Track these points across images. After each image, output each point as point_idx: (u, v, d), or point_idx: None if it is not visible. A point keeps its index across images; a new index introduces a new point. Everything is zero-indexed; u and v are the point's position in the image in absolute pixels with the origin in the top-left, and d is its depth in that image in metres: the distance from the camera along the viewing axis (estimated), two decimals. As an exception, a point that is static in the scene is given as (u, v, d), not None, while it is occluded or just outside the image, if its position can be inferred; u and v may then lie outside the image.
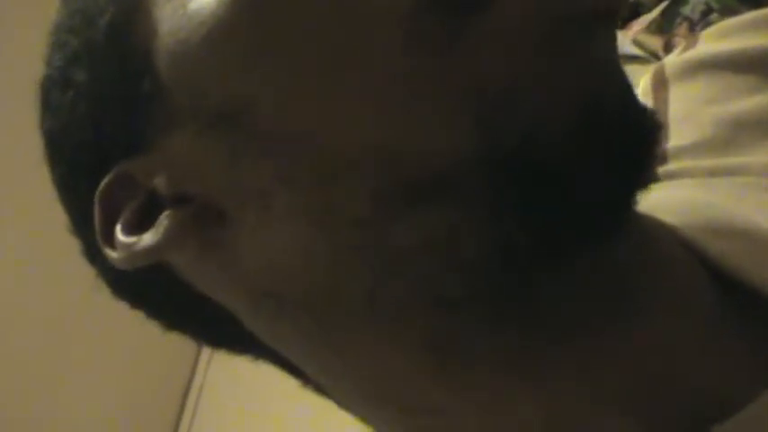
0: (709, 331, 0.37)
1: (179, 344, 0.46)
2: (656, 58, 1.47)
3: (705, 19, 1.47)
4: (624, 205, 0.35)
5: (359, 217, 0.34)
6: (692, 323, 0.37)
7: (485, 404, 0.36)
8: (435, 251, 0.34)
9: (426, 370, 0.36)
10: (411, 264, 0.34)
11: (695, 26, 1.47)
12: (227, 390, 2.15)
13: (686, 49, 0.52)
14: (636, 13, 1.55)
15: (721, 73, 0.49)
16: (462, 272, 0.34)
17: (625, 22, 1.54)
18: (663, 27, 1.52)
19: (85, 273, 0.43)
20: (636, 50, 1.51)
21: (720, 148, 0.46)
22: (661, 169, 0.46)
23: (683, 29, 1.49)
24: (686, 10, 1.50)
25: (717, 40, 0.51)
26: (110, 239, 0.38)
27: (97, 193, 0.39)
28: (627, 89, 0.35)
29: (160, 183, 0.37)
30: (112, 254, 0.38)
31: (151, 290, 0.42)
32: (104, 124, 0.39)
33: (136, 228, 0.37)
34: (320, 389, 0.42)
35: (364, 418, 0.41)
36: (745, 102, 0.47)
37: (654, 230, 0.39)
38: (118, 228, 0.38)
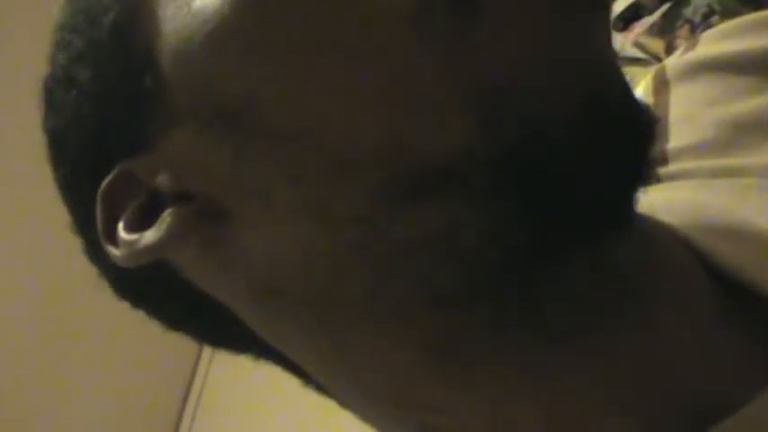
0: (709, 332, 0.37)
1: (180, 344, 0.47)
2: (658, 60, 1.47)
3: (707, 21, 1.46)
4: (624, 205, 0.35)
5: (359, 215, 0.34)
6: (692, 323, 0.37)
7: (485, 403, 0.36)
8: (436, 250, 0.34)
9: (426, 369, 0.36)
10: (411, 262, 0.35)
11: (697, 28, 1.47)
12: (228, 390, 2.15)
13: (687, 50, 0.52)
14: (637, 16, 1.55)
15: (722, 74, 0.49)
16: (463, 271, 0.34)
17: (626, 25, 1.54)
18: (664, 29, 1.52)
19: (87, 272, 0.44)
20: (637, 53, 1.51)
21: (721, 150, 0.46)
22: (662, 170, 0.46)
23: (684, 31, 1.49)
24: (688, 12, 1.50)
25: (718, 41, 0.51)
26: (112, 237, 0.39)
27: (100, 191, 0.39)
28: (625, 87, 0.35)
29: (162, 181, 0.37)
30: (115, 251, 0.38)
31: (152, 288, 0.42)
32: (107, 123, 0.39)
33: (138, 226, 0.38)
34: (321, 388, 0.42)
35: (365, 416, 0.41)
36: (746, 103, 0.47)
37: (654, 231, 0.39)
38: (120, 225, 0.38)
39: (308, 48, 0.34)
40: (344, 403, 0.41)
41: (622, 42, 1.50)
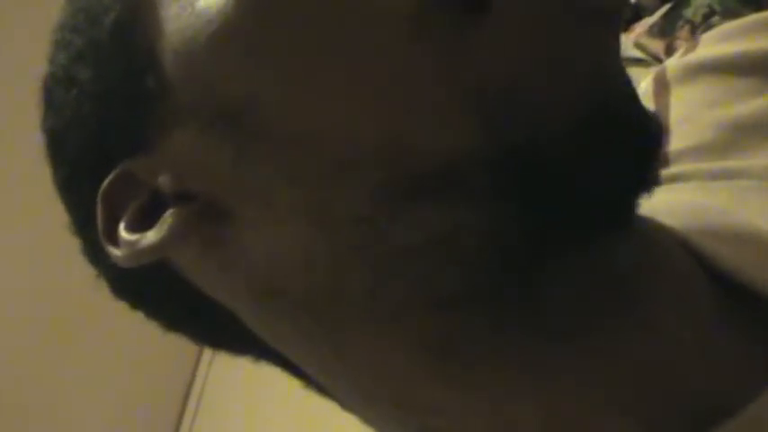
0: (709, 332, 0.37)
1: (181, 345, 0.47)
2: (658, 60, 1.47)
3: (707, 22, 1.46)
4: (625, 206, 0.35)
5: (360, 216, 0.34)
6: (692, 324, 0.37)
7: (485, 404, 0.36)
8: (436, 250, 0.34)
9: (426, 369, 0.36)
10: (411, 263, 0.35)
11: (697, 29, 1.47)
12: (228, 391, 2.15)
13: (687, 52, 0.52)
14: (638, 16, 1.55)
15: (722, 76, 0.49)
16: (463, 271, 0.34)
17: (627, 25, 1.54)
18: (665, 30, 1.52)
19: (87, 273, 0.44)
20: (638, 53, 1.51)
21: (721, 152, 0.46)
22: (662, 172, 0.46)
23: (684, 32, 1.49)
24: (688, 13, 1.50)
25: (718, 43, 0.51)
26: (113, 238, 0.39)
27: (100, 191, 0.39)
28: (630, 91, 0.35)
29: (163, 181, 0.37)
30: (115, 252, 0.38)
31: (152, 289, 0.42)
32: (108, 123, 0.39)
33: (139, 226, 0.38)
34: (321, 389, 0.42)
35: (365, 418, 0.41)
36: (746, 105, 0.47)
37: (654, 233, 0.39)
38: (121, 226, 0.38)
39: (310, 49, 0.34)
40: (345, 405, 0.41)
41: (623, 43, 1.50)
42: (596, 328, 0.35)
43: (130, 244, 0.37)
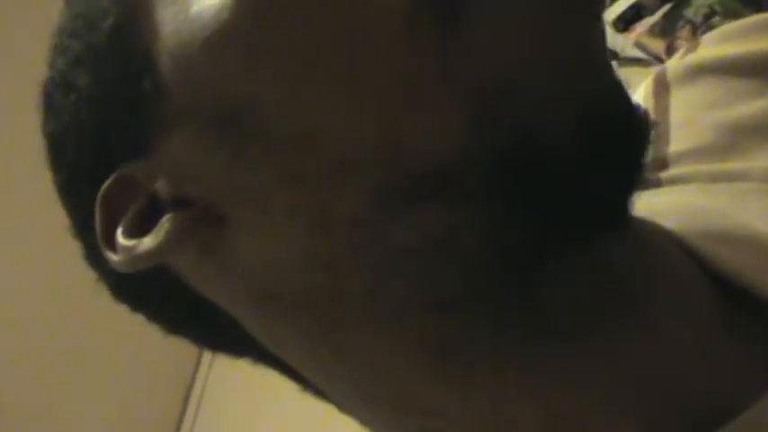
0: (709, 334, 0.37)
1: (181, 346, 0.47)
2: (659, 60, 1.47)
3: (708, 22, 1.46)
4: (623, 205, 0.35)
5: (359, 217, 0.34)
6: (692, 325, 0.37)
7: (485, 405, 0.36)
8: (435, 251, 0.34)
9: (426, 370, 0.36)
10: (411, 263, 0.35)
11: (698, 29, 1.47)
12: (228, 393, 2.15)
13: (687, 53, 0.52)
14: (638, 16, 1.55)
15: (722, 77, 0.49)
16: (462, 271, 0.34)
17: (627, 25, 1.54)
18: (665, 29, 1.51)
19: (87, 276, 0.44)
20: (638, 53, 1.51)
21: (721, 154, 0.46)
22: (662, 174, 0.46)
23: (685, 32, 1.49)
24: (689, 13, 1.50)
25: (718, 44, 0.51)
26: (111, 243, 0.38)
27: (98, 196, 0.39)
28: (618, 87, 0.35)
29: (161, 186, 0.37)
30: (113, 257, 0.38)
31: (151, 293, 0.42)
32: (106, 127, 0.39)
33: (137, 231, 0.38)
34: (320, 392, 0.42)
35: (363, 419, 0.41)
36: (746, 107, 0.47)
37: (652, 234, 0.39)
38: (119, 231, 0.38)
39: (309, 49, 0.34)
40: (344, 408, 0.41)
41: (623, 43, 1.50)
42: (596, 329, 0.35)
43: (128, 249, 0.37)
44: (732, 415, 0.34)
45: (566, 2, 0.33)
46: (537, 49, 0.33)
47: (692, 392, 0.36)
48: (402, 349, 0.36)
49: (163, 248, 0.37)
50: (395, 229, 0.34)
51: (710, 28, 1.44)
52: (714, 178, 0.45)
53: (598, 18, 0.35)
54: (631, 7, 1.54)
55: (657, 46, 1.51)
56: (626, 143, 0.34)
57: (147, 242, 0.37)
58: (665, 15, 1.53)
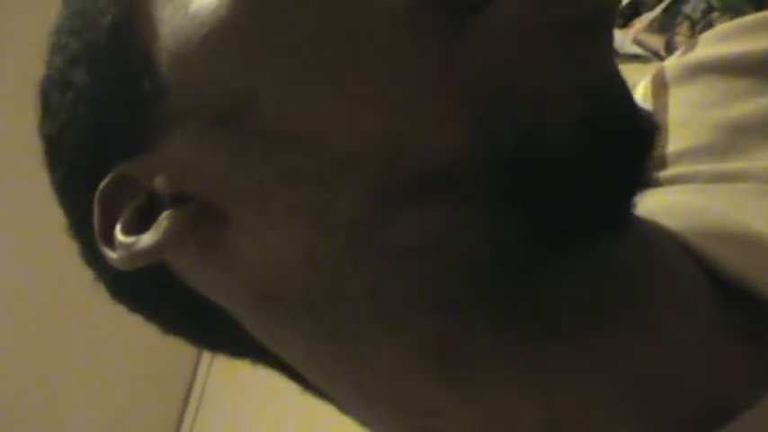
0: (709, 334, 0.37)
1: (181, 346, 0.46)
2: (657, 56, 1.47)
3: (706, 18, 1.46)
4: (624, 206, 0.35)
5: (358, 216, 0.34)
6: (692, 325, 0.37)
7: (485, 405, 0.36)
8: (435, 251, 0.34)
9: (427, 370, 0.36)
10: (411, 263, 0.34)
11: (696, 25, 1.47)
12: (229, 392, 2.15)
13: (686, 51, 0.52)
14: (637, 12, 1.55)
15: (721, 76, 0.48)
16: (462, 271, 0.34)
17: (626, 21, 1.54)
18: (664, 26, 1.51)
19: (87, 276, 0.43)
20: (637, 49, 1.51)
21: (720, 154, 0.46)
22: (661, 174, 0.46)
23: (684, 28, 1.49)
24: (687, 9, 1.50)
25: (717, 43, 0.50)
26: (109, 240, 0.38)
27: (97, 193, 0.39)
28: (624, 90, 0.35)
29: (160, 183, 0.37)
30: (112, 254, 0.38)
31: (150, 292, 0.42)
32: (104, 125, 0.39)
33: (135, 228, 0.37)
34: (320, 393, 0.42)
35: (364, 419, 0.41)
36: (746, 106, 0.47)
37: (653, 234, 0.39)
38: (117, 228, 0.38)
39: (310, 48, 0.34)
40: (343, 407, 0.41)
41: (622, 39, 1.50)
42: (596, 329, 0.35)
43: (126, 246, 0.37)
44: (732, 415, 0.34)
45: (565, 2, 0.33)
46: (537, 49, 0.33)
47: (692, 392, 0.36)
48: (402, 349, 0.36)
49: (162, 245, 0.37)
50: (395, 228, 0.34)
51: (709, 24, 1.44)
52: (713, 178, 0.45)
53: (598, 20, 0.35)
54: (630, 3, 1.54)
55: (656, 42, 1.51)
56: (628, 144, 0.34)
57: (146, 239, 0.37)
58: (664, 11, 1.53)
